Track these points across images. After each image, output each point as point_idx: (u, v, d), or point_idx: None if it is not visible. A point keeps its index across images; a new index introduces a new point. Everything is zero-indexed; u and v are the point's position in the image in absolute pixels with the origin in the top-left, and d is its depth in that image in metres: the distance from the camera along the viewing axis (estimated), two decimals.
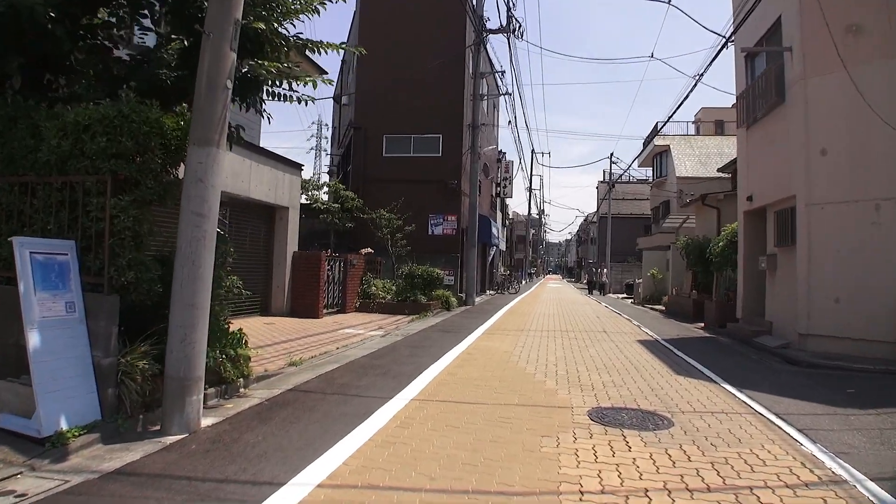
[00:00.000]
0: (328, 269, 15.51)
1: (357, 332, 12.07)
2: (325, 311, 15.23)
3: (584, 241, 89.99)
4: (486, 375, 7.64)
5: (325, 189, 20.58)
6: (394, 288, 17.48)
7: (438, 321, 14.94)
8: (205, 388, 5.23)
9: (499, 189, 34.43)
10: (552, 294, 34.49)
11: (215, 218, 5.16)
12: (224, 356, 6.23)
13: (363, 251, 18.65)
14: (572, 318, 17.08)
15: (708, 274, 16.91)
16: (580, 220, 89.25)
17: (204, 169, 5.00)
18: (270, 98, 6.92)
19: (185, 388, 4.85)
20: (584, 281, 66.86)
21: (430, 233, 22.35)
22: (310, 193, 19.38)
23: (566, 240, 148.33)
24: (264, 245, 14.56)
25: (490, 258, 31.36)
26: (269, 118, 7.63)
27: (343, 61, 29.30)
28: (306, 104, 7.12)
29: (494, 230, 30.16)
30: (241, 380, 6.53)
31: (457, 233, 22.30)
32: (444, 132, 22.65)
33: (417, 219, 20.97)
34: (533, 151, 59.29)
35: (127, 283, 4.92)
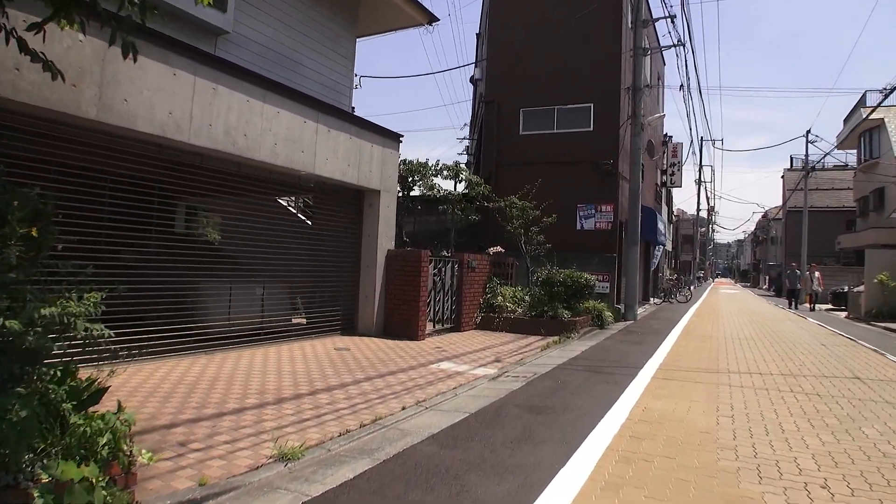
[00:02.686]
0: (434, 274, 11.58)
1: (458, 370, 8.00)
2: (429, 329, 11.33)
3: (762, 241, 79.81)
4: None
5: (462, 178, 16.61)
6: (527, 298, 13.21)
7: (585, 349, 10.45)
8: None
9: (664, 177, 28.86)
10: (733, 304, 28.26)
11: None
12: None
13: (491, 250, 14.59)
14: (783, 346, 11.85)
15: None
16: (756, 216, 79.27)
17: None
18: None
19: None
20: (766, 286, 58.00)
21: (578, 227, 17.79)
22: (427, 181, 15.57)
23: (737, 240, 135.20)
24: (348, 241, 10.93)
25: (655, 260, 25.97)
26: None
27: (477, 34, 25.46)
28: None
29: (661, 225, 24.78)
30: None
31: (613, 227, 17.54)
32: (597, 100, 17.97)
33: (562, 210, 16.52)
34: (702, 140, 51.81)
35: None
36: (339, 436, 4.77)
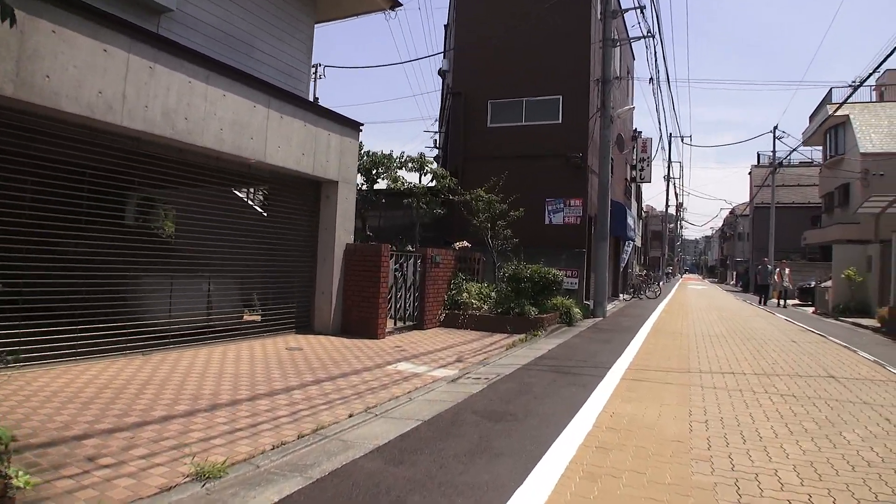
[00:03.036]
0: (396, 270, 11.06)
1: (416, 371, 7.51)
2: (390, 327, 10.82)
3: (729, 237, 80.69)
4: None
5: (427, 171, 16.04)
6: (493, 295, 12.76)
7: (553, 347, 10.04)
8: None
9: (634, 172, 28.68)
10: (702, 300, 28.23)
11: None
12: None
13: (457, 245, 14.10)
14: (754, 344, 11.59)
15: None
16: (724, 213, 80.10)
17: None
18: None
19: None
20: (734, 282, 58.55)
21: (547, 222, 17.41)
22: (392, 174, 15.02)
23: (705, 236, 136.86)
24: (305, 235, 10.36)
25: (626, 256, 25.76)
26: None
27: (445, 25, 24.91)
28: None
29: (630, 221, 24.58)
30: None
31: (582, 222, 17.20)
32: (566, 92, 17.59)
33: (531, 204, 16.10)
34: (671, 136, 51.95)
35: None
36: (272, 449, 4.25)
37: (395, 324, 11.17)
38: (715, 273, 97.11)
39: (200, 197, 8.77)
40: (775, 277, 25.88)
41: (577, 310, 13.84)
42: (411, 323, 11.66)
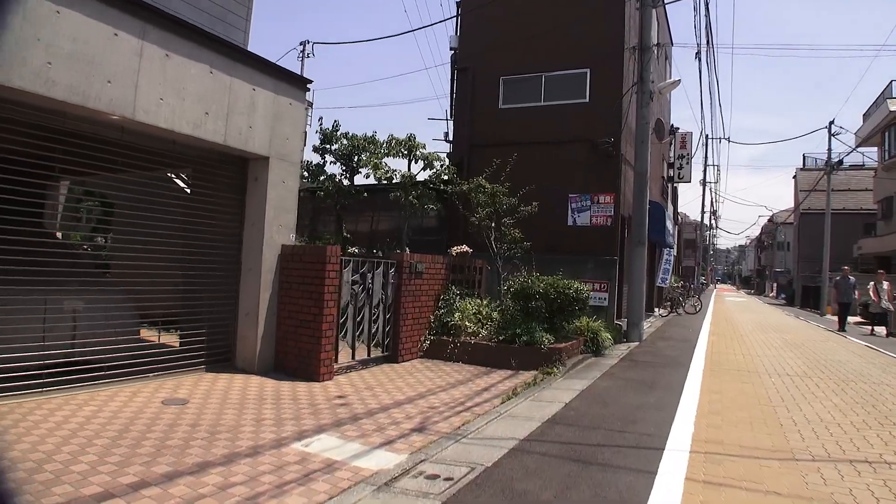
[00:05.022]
0: (354, 282, 8.00)
1: (333, 458, 4.47)
2: (346, 360, 7.80)
3: (767, 247, 76.24)
4: None
5: (417, 155, 12.91)
6: (495, 316, 9.66)
7: (572, 398, 6.87)
8: None
9: (671, 170, 25.31)
10: (749, 315, 24.73)
11: None
12: None
13: (454, 250, 11.04)
14: (855, 388, 8.41)
15: None
16: (762, 220, 75.72)
17: None
18: None
19: None
20: (774, 294, 54.14)
21: (569, 223, 14.21)
22: (373, 160, 11.98)
23: (738, 245, 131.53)
24: (223, 233, 7.39)
25: (667, 266, 22.31)
26: None
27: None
28: None
29: (669, 224, 21.23)
30: None
31: (613, 223, 13.97)
32: (594, 64, 14.40)
33: (550, 201, 13.04)
34: (708, 138, 47.98)
35: None
36: None
37: (353, 356, 8.10)
38: (750, 284, 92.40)
39: (27, 173, 5.85)
40: (870, 293, 18.57)
41: (606, 335, 10.64)
42: (382, 353, 8.61)
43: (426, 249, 11.30)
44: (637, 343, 12.36)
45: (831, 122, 30.32)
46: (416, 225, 15.33)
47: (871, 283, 18.60)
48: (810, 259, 42.74)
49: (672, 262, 23.99)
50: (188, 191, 7.69)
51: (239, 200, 7.52)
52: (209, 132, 6.55)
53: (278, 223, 7.49)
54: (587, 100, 14.42)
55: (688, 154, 25.77)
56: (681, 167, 25.36)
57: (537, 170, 13.58)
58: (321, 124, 15.17)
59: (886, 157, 33.73)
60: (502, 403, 6.42)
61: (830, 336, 16.61)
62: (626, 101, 14.08)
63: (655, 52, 14.06)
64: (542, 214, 11.82)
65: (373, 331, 8.38)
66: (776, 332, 17.18)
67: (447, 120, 16.97)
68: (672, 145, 25.55)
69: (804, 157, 48.45)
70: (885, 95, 34.05)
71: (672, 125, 25.94)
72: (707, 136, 49.24)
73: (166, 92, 6.07)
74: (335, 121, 16.46)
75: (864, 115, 38.68)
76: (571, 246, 13.81)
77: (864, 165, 44.46)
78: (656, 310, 21.94)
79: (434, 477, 4.11)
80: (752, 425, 5.82)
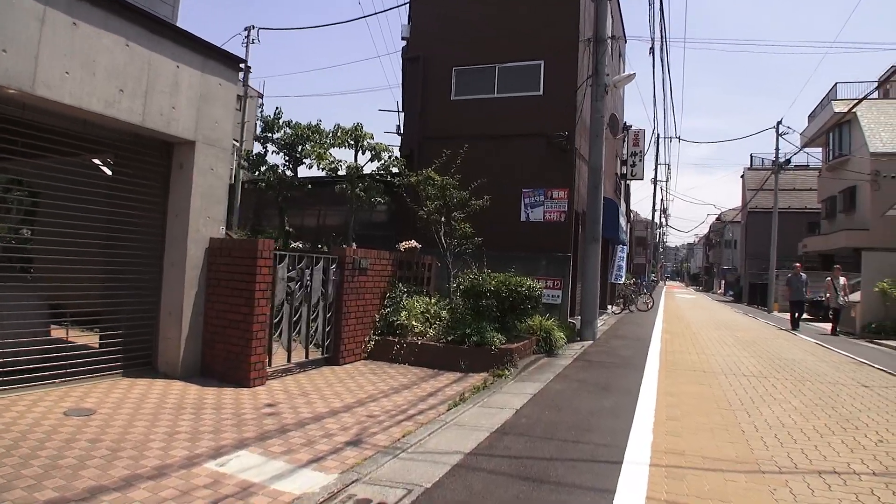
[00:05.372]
0: (290, 279, 7.40)
1: (251, 479, 3.89)
2: (283, 364, 7.20)
3: (715, 245, 77.81)
4: None
5: (363, 145, 12.21)
6: (445, 315, 9.18)
7: (523, 404, 6.43)
8: None
9: (624, 168, 25.29)
10: (700, 313, 24.90)
11: None
12: None
13: (403, 245, 10.50)
14: (812, 387, 8.25)
15: None
16: (710, 220, 77.40)
17: None
18: None
19: None
20: (722, 291, 55.18)
21: (523, 218, 13.83)
22: (317, 149, 11.34)
23: (686, 244, 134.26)
24: (144, 225, 6.70)
25: (621, 263, 22.20)
26: None
27: None
28: None
29: (622, 221, 21.12)
30: None
31: (567, 219, 13.65)
32: (549, 56, 14.03)
33: (503, 197, 12.68)
34: (658, 138, 48.41)
35: None
36: None
37: (289, 359, 7.50)
38: (699, 281, 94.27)
39: None
40: (827, 290, 17.90)
41: (559, 334, 10.27)
42: (323, 355, 8.03)
43: (375, 245, 10.76)
44: (591, 342, 12.05)
45: (779, 122, 30.92)
46: (365, 220, 14.74)
47: (828, 278, 17.94)
48: (757, 257, 43.60)
49: (626, 260, 23.94)
50: (108, 178, 6.99)
51: (163, 189, 6.84)
52: (124, 111, 5.86)
53: (206, 214, 6.84)
54: (541, 92, 14.05)
55: (640, 151, 25.82)
56: (634, 164, 25.38)
57: (490, 164, 13.18)
58: (261, 110, 14.36)
59: (831, 158, 34.49)
60: (448, 411, 5.93)
61: (781, 334, 16.68)
62: (580, 95, 13.77)
63: (610, 45, 13.78)
64: (495, 210, 11.40)
65: (311, 331, 7.78)
66: (727, 329, 17.17)
67: (399, 112, 16.37)
68: (625, 142, 25.55)
69: (751, 157, 49.53)
70: (829, 97, 34.87)
71: (625, 122, 25.93)
72: (658, 135, 49.72)
73: (73, 65, 5.37)
74: (277, 107, 15.73)
75: (809, 116, 39.62)
76: (525, 242, 13.44)
77: (808, 166, 45.63)
78: (609, 307, 21.82)
79: (365, 502, 3.59)
80: (713, 432, 5.47)
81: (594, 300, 12.59)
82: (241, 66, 7.38)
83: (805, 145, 37.07)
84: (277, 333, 7.29)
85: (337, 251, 8.35)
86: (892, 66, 28.10)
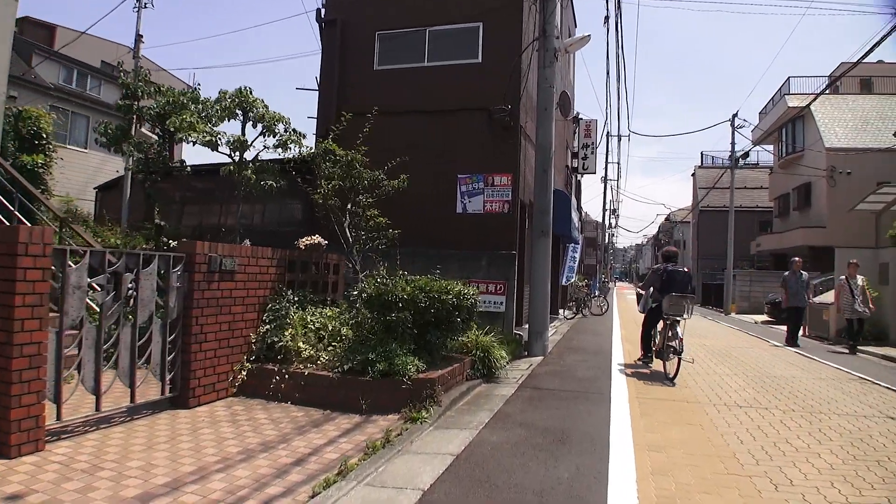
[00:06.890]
0: (97, 286, 4.95)
1: None
2: (85, 414, 4.75)
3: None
4: None
5: (253, 115, 9.55)
6: (346, 331, 6.85)
7: (434, 479, 4.16)
8: None
9: (576, 161, 23.39)
10: None
11: None
12: None
13: (303, 242, 8.13)
14: (829, 425, 6.28)
15: None
16: (659, 220, 77.05)
17: None
18: None
19: None
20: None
21: (459, 210, 11.59)
22: (189, 121, 8.82)
23: (635, 244, 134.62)
24: None
25: (573, 264, 20.20)
26: None
27: None
28: None
29: (575, 217, 19.09)
30: None
31: (511, 209, 11.48)
32: (488, 16, 11.82)
33: (436, 184, 10.53)
34: (608, 134, 47.03)
35: None
36: None
37: (97, 405, 5.04)
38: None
39: None
40: (840, 292, 13.74)
41: (500, 352, 8.04)
42: (162, 395, 5.61)
43: (282, 243, 8.32)
44: (541, 358, 9.90)
45: (734, 115, 29.62)
46: (273, 214, 12.33)
47: (842, 277, 13.87)
48: (709, 256, 42.58)
49: (578, 259, 21.99)
50: None
51: None
52: None
53: None
54: (479, 60, 11.83)
55: (593, 143, 23.99)
56: (586, 157, 23.54)
57: (420, 144, 11.01)
58: (121, 67, 11.61)
59: (784, 154, 33.48)
60: (310, 500, 3.62)
61: (753, 341, 14.85)
62: (525, 62, 11.61)
63: (560, 2, 11.67)
64: (426, 199, 9.25)
65: (138, 363, 5.35)
66: (692, 336, 15.19)
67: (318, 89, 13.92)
68: (577, 133, 23.68)
69: (702, 155, 48.68)
70: (782, 91, 33.82)
71: (577, 113, 24.05)
72: (608, 133, 48.24)
73: None
74: (140, 67, 13.01)
75: (760, 112, 38.66)
76: (463, 239, 11.22)
77: (758, 164, 44.96)
78: (561, 311, 19.80)
79: None
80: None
81: (544, 307, 10.43)
82: None
83: (758, 141, 36.07)
84: (77, 365, 4.87)
85: (184, 247, 5.93)
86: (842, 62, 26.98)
